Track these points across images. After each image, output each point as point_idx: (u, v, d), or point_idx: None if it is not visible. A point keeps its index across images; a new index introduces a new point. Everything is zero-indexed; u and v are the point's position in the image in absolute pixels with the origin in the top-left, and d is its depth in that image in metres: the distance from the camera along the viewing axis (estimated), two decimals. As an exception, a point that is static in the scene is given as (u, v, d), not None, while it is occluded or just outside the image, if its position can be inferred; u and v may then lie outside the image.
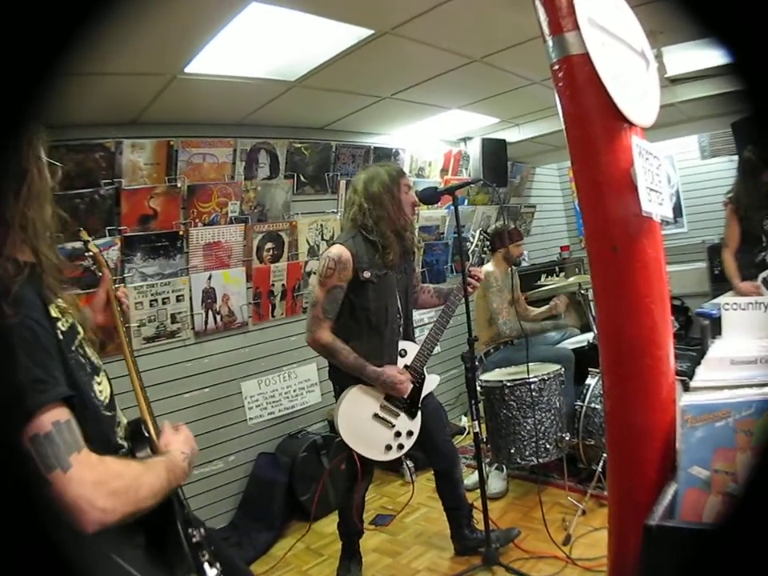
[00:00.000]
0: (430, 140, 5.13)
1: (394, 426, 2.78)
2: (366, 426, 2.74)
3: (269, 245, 3.93)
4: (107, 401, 1.25)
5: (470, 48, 3.11)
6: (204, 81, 2.89)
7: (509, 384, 3.50)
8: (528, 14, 1.95)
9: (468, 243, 3.17)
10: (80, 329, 1.21)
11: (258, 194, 3.83)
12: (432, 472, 3.13)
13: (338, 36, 2.71)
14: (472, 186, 5.41)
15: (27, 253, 1.11)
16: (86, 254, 1.86)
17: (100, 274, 1.82)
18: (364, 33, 2.70)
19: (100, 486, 1.04)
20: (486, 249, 3.17)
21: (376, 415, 2.76)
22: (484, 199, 5.77)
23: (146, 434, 1.39)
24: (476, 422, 2.75)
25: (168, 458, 1.29)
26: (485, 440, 4.02)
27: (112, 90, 2.75)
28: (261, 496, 3.72)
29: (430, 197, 2.90)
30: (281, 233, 3.98)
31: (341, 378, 2.79)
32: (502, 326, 4.05)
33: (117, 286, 2.00)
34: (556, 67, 1.32)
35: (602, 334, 1.41)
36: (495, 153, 5.18)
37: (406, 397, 2.80)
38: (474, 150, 5.19)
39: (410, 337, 2.94)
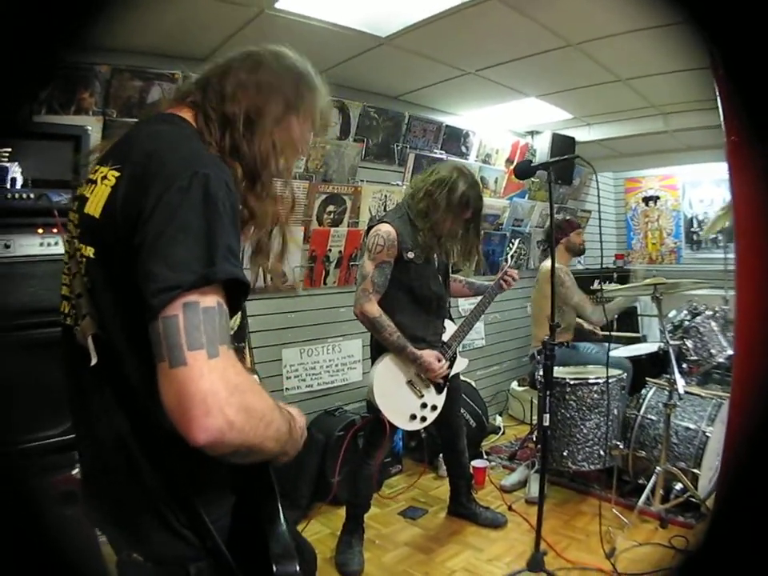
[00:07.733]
0: (499, 128, 4.95)
1: (422, 395, 2.86)
2: (399, 389, 2.80)
3: (330, 207, 3.73)
4: (233, 331, 1.05)
5: (570, 30, 2.93)
6: (293, 21, 2.66)
7: (572, 382, 3.34)
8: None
9: (507, 248, 3.38)
10: None
11: (326, 152, 3.62)
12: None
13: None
14: (534, 180, 5.26)
15: None
16: None
17: None
18: (472, -9, 2.50)
19: (238, 393, 0.83)
20: (522, 254, 3.47)
21: (410, 382, 2.83)
22: (544, 196, 5.55)
23: None
24: (547, 415, 2.53)
25: (293, 416, 1.06)
26: (534, 440, 3.82)
27: (190, 17, 2.54)
28: (288, 472, 3.45)
29: (524, 171, 2.74)
30: (344, 196, 3.78)
31: (382, 347, 2.80)
32: (592, 315, 3.87)
33: None
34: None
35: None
36: (564, 150, 4.94)
37: None
38: (543, 144, 4.98)
39: (448, 316, 3.07)
